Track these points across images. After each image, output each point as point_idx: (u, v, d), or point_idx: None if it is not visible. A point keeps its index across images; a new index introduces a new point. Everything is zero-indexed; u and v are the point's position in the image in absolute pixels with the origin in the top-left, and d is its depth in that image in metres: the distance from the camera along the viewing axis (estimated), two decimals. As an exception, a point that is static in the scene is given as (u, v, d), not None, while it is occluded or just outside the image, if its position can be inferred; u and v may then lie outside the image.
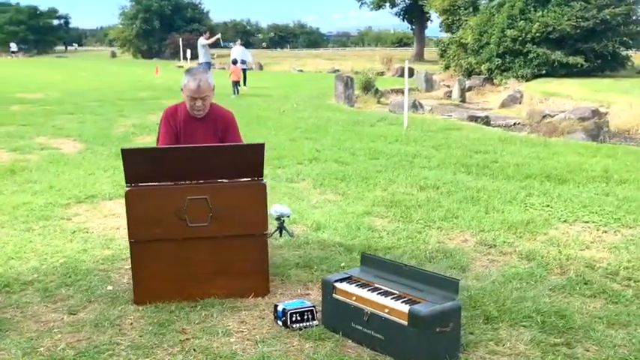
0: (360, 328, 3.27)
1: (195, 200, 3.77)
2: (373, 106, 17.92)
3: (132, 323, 3.58)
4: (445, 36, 32.31)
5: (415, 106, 16.63)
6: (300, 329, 3.46)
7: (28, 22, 78.82)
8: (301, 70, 41.05)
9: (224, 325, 3.55)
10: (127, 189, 3.76)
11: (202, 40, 19.65)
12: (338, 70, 36.52)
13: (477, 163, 8.21)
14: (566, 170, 7.68)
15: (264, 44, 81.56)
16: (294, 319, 3.48)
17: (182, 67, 34.59)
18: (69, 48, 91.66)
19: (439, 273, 3.22)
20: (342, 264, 4.50)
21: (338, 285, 3.43)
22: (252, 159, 3.87)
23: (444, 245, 4.97)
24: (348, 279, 3.49)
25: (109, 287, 4.11)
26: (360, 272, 3.55)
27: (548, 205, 6.05)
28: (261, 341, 3.34)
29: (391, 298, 3.20)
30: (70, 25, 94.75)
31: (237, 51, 21.27)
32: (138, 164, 3.77)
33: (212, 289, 3.89)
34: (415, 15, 49.17)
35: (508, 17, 25.46)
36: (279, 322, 3.52)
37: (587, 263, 4.53)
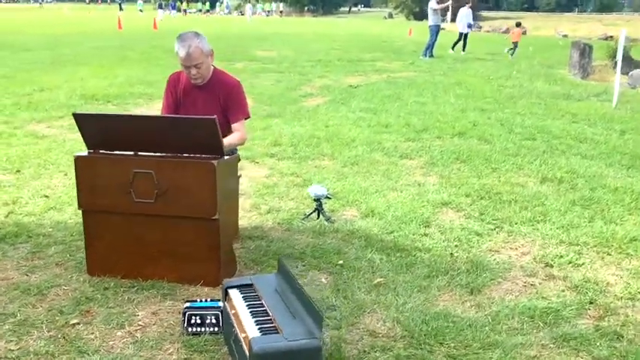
0: (233, 346, 2.68)
1: (141, 174, 3.42)
2: (612, 78, 15.54)
3: (58, 295, 3.40)
4: None
5: (662, 80, 14.06)
6: (194, 334, 2.96)
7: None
8: (565, 36, 37.50)
9: (132, 314, 3.18)
10: (76, 155, 3.55)
11: (433, 4, 18.79)
12: (611, 37, 32.74)
13: (654, 155, 6.56)
14: None
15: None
16: (192, 321, 2.99)
17: (443, 29, 33.84)
18: (352, 9, 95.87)
19: (312, 300, 2.45)
20: (340, 261, 3.83)
21: (230, 292, 2.85)
22: (206, 134, 3.39)
23: (488, 256, 3.95)
24: (245, 287, 2.88)
25: (92, 252, 3.99)
26: (265, 281, 2.91)
27: (688, 220, 4.54)
28: (139, 341, 2.92)
29: (256, 322, 2.54)
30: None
31: (464, 13, 19.99)
32: (92, 130, 3.53)
33: (162, 270, 3.55)
34: None
35: None
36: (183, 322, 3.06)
37: (650, 309, 3.25)
